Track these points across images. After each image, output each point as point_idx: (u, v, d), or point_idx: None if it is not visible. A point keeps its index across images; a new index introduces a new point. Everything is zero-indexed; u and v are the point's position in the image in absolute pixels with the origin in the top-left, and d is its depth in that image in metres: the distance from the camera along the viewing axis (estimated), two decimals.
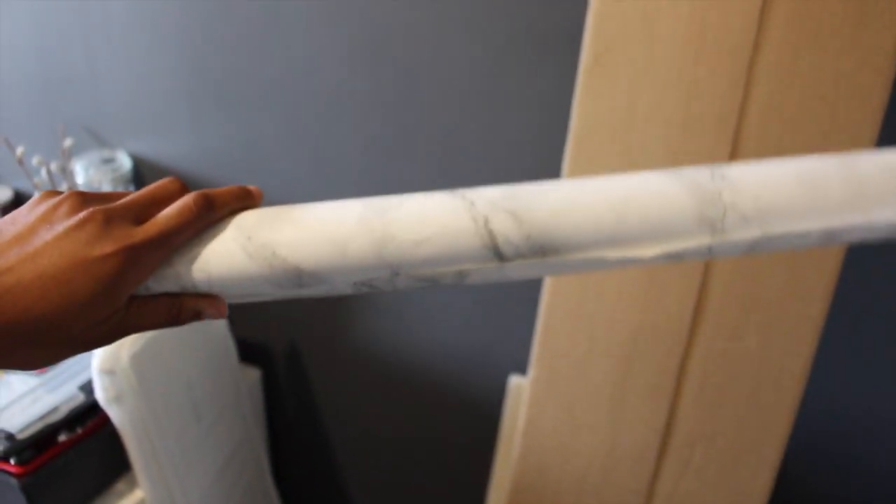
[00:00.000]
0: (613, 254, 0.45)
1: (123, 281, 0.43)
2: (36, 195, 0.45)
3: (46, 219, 0.43)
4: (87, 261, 0.41)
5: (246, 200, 0.49)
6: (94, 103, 1.64)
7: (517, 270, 0.46)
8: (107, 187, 1.59)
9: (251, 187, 0.50)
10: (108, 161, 1.60)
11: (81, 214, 0.42)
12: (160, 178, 1.63)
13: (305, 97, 1.45)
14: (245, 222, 0.47)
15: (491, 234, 0.45)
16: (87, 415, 1.22)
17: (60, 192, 0.45)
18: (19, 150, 1.59)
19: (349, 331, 1.65)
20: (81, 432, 1.20)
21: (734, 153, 0.89)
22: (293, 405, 1.82)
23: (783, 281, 0.93)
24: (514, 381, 1.41)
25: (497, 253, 0.45)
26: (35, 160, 1.59)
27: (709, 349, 0.98)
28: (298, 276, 0.46)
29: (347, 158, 1.47)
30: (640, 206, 0.45)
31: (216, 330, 1.50)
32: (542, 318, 1.03)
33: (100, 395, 1.17)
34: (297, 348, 1.73)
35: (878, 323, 1.28)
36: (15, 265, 0.41)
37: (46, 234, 0.42)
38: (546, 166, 1.27)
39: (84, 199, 0.44)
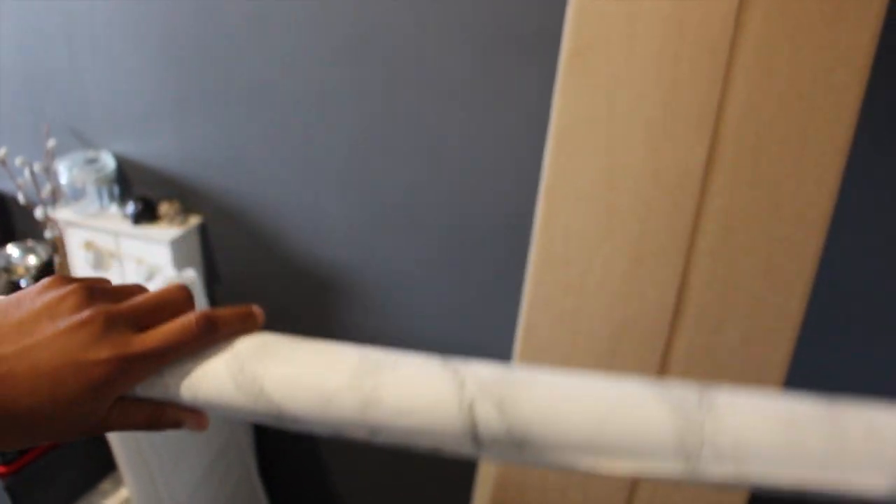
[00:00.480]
0: (586, 461, 0.45)
1: (113, 387, 0.43)
2: (46, 279, 0.45)
3: (51, 310, 0.43)
4: (82, 363, 0.42)
5: (248, 322, 0.49)
6: (78, 104, 1.64)
7: (490, 455, 0.47)
8: (91, 188, 1.58)
9: (255, 309, 0.50)
10: (92, 161, 1.60)
11: (84, 314, 0.43)
12: (144, 178, 1.62)
13: (291, 97, 1.45)
14: (242, 350, 0.48)
15: (473, 421, 0.45)
16: None
17: (70, 280, 0.45)
18: (2, 151, 1.58)
19: (335, 327, 1.66)
20: None
21: (713, 150, 0.90)
22: None
23: (762, 275, 0.94)
24: None
25: (475, 440, 0.45)
26: (18, 161, 1.58)
27: (690, 343, 0.99)
28: (280, 415, 0.47)
29: (333, 157, 1.48)
30: (623, 420, 0.45)
31: None
32: (524, 315, 1.04)
33: None
34: None
35: (857, 315, 1.29)
36: (10, 355, 0.41)
37: (48, 328, 0.42)
38: (530, 163, 1.28)
39: (91, 293, 0.44)
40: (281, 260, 1.61)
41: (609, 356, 1.02)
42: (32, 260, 1.73)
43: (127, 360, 0.43)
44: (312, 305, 1.65)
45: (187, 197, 1.63)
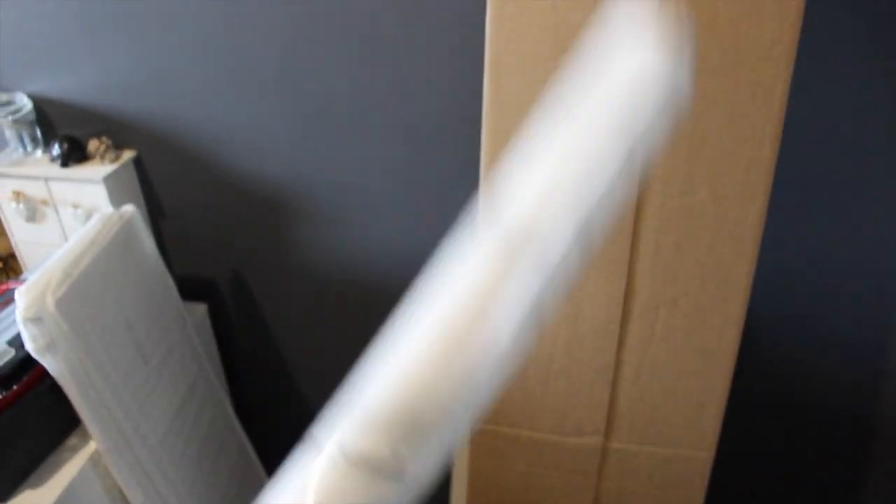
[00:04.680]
0: None
1: None
2: None
3: None
4: None
5: None
6: None
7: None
8: (9, 133, 1.48)
9: None
10: (6, 104, 1.48)
11: None
12: (67, 116, 1.51)
13: (210, 9, 1.34)
14: None
15: None
16: (24, 370, 1.15)
17: None
18: None
19: (292, 251, 1.58)
20: (18, 389, 1.13)
21: None
22: (245, 334, 1.76)
23: (729, 125, 0.88)
24: None
25: None
26: None
27: (660, 207, 0.93)
28: None
29: (263, 66, 1.38)
30: None
31: (150, 268, 1.43)
32: (482, 204, 0.97)
33: (30, 346, 1.09)
34: (242, 277, 1.66)
35: (831, 165, 1.25)
36: None
37: None
38: (471, 43, 1.20)
39: None
40: (224, 184, 1.52)
41: None
42: None
43: None
44: (263, 227, 1.57)
45: (117, 131, 1.52)
